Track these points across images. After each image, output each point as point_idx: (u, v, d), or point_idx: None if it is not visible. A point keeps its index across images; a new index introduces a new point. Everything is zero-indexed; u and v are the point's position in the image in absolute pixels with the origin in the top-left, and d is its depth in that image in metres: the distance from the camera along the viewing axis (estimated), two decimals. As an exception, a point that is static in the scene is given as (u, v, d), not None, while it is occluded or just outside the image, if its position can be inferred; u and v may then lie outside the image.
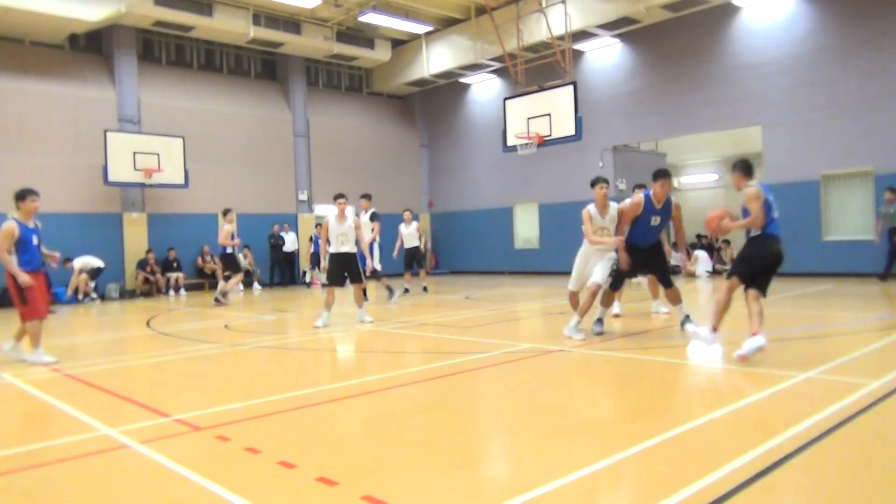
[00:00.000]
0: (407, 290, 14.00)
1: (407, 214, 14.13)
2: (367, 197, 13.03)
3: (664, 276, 7.49)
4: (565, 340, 7.04)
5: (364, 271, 10.21)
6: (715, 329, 6.06)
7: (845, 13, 13.93)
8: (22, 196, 6.78)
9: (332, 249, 9.37)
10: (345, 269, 9.37)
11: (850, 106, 13.82)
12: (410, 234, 13.91)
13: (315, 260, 16.32)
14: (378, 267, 12.69)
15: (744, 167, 6.19)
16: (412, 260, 14.12)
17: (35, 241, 6.83)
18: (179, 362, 6.91)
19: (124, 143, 16.01)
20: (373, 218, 12.73)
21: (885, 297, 10.41)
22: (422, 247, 14.24)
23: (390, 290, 12.67)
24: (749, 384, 4.85)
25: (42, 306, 6.87)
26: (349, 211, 9.69)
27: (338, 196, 9.59)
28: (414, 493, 3.00)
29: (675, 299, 7.49)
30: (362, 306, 9.58)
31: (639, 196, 7.32)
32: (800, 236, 14.59)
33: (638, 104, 17.36)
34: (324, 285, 9.53)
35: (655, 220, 7.27)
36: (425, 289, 14.17)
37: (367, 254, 11.25)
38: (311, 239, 17.76)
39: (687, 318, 7.43)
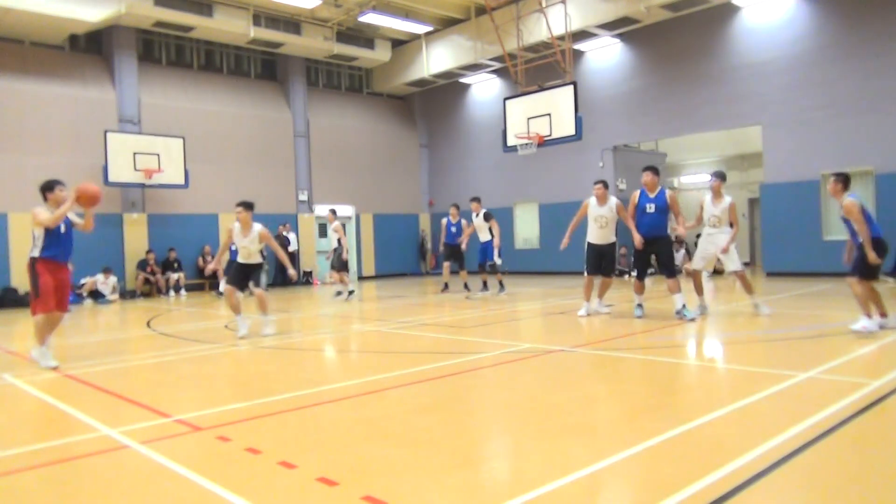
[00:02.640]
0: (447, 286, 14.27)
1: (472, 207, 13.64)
2: (476, 200, 13.35)
3: (669, 267, 8.62)
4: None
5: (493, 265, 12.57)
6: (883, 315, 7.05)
7: (845, 13, 13.93)
8: (50, 187, 6.52)
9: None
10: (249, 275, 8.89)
11: (851, 105, 13.82)
12: (479, 227, 13.27)
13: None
14: (498, 262, 12.94)
15: (844, 180, 7.41)
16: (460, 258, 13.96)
17: (63, 229, 6.58)
18: (180, 363, 6.91)
19: (124, 144, 16.02)
20: (487, 217, 12.91)
21: (885, 297, 10.39)
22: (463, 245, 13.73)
23: (501, 285, 13.16)
24: (749, 384, 4.84)
25: (52, 301, 6.49)
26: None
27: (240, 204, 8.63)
28: (414, 493, 3.00)
29: (674, 290, 8.48)
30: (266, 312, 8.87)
31: (636, 192, 8.72)
32: (800, 236, 14.60)
33: (638, 104, 17.36)
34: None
35: (651, 208, 8.49)
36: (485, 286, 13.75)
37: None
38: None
39: (683, 307, 8.39)
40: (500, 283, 13.20)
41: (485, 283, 13.30)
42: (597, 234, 9.16)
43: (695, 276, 9.19)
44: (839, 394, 4.35)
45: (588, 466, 3.21)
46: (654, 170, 8.56)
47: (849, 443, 3.50)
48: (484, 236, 13.00)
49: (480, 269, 13.28)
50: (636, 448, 3.44)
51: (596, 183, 9.14)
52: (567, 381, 5.15)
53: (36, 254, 6.37)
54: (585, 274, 9.40)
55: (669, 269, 8.57)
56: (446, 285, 14.22)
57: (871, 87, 13.56)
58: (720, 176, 8.99)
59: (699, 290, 9.07)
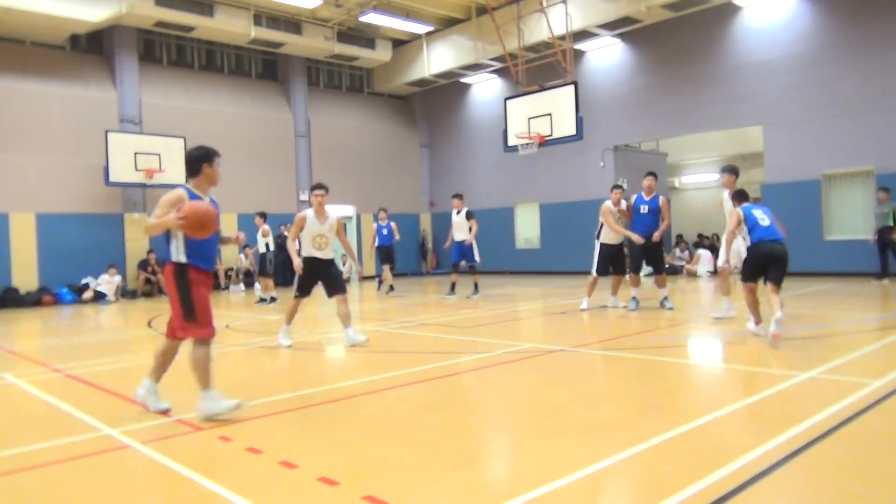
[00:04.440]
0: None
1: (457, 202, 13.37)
2: (459, 196, 13.15)
3: (659, 264, 9.61)
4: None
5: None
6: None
7: (846, 12, 13.92)
8: (207, 156, 4.58)
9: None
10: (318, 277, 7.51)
11: (852, 105, 13.81)
12: (458, 225, 12.87)
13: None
14: (477, 260, 12.71)
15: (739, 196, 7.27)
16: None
17: None
18: (180, 362, 6.89)
19: (125, 144, 16.03)
20: (469, 216, 12.73)
21: (885, 297, 10.39)
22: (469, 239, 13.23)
23: (476, 287, 12.93)
24: (750, 384, 4.84)
25: (212, 323, 4.56)
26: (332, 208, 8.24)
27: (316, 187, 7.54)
28: (415, 493, 3.00)
29: (661, 284, 9.57)
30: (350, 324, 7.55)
31: (634, 196, 9.65)
32: (801, 236, 14.56)
33: (639, 104, 17.35)
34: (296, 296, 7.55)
35: (644, 209, 9.34)
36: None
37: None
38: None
39: (665, 299, 9.43)
40: (476, 285, 12.88)
41: (452, 286, 12.74)
42: (612, 234, 9.68)
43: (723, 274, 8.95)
44: (839, 394, 4.34)
45: (588, 466, 3.21)
46: (655, 176, 9.37)
47: (849, 443, 3.49)
48: (462, 235, 12.68)
49: (454, 268, 12.94)
50: (636, 448, 3.44)
51: (614, 187, 9.88)
52: (567, 381, 5.15)
53: (182, 258, 4.49)
54: (594, 273, 9.81)
55: (659, 266, 9.60)
56: (391, 287, 14.34)
57: (872, 87, 13.55)
58: (729, 170, 8.14)
59: (726, 290, 8.55)
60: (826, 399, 4.26)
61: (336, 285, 7.42)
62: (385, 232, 14.26)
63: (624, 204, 9.72)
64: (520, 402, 4.63)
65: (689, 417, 3.97)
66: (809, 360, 5.63)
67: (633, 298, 9.51)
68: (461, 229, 12.70)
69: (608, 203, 9.66)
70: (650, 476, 3.14)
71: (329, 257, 7.45)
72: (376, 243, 14.38)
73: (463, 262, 12.71)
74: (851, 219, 14.18)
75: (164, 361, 4.74)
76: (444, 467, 3.36)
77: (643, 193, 9.39)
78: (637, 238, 9.26)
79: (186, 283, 4.46)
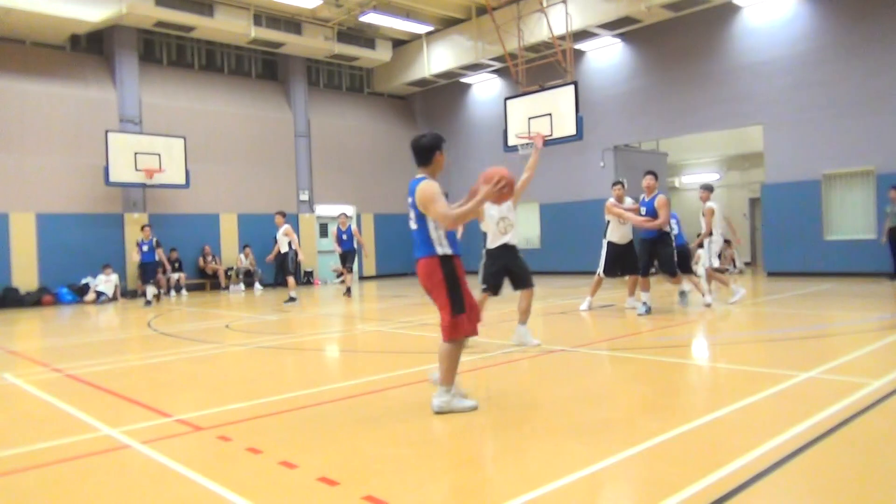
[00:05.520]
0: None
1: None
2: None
3: (669, 267, 9.23)
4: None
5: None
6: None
7: (846, 12, 13.92)
8: (438, 144, 4.38)
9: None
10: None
11: (852, 105, 13.81)
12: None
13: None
14: None
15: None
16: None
17: None
18: (181, 362, 6.91)
19: (125, 144, 16.03)
20: None
21: (886, 297, 10.39)
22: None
23: None
24: (750, 384, 4.84)
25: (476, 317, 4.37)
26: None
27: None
28: (415, 493, 3.00)
29: (677, 282, 9.48)
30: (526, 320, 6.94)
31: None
32: (801, 236, 14.59)
33: (639, 104, 17.35)
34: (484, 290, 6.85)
35: (642, 210, 9.18)
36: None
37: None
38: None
39: (682, 293, 9.63)
40: None
41: None
42: (618, 233, 9.54)
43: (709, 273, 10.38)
44: (839, 394, 4.34)
45: (588, 466, 3.21)
46: (654, 175, 9.14)
47: (849, 443, 3.49)
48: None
49: None
50: (636, 448, 3.44)
51: (614, 184, 9.71)
52: (568, 381, 5.15)
53: (448, 249, 4.29)
54: (601, 273, 9.80)
55: (670, 269, 9.16)
56: (349, 291, 14.15)
57: (872, 87, 13.55)
58: (708, 188, 10.36)
59: (725, 280, 10.56)
60: (826, 399, 4.26)
61: (525, 278, 6.74)
62: (345, 237, 14.17)
63: (629, 201, 9.54)
64: (520, 402, 4.63)
65: (689, 417, 3.98)
66: (809, 360, 5.63)
67: (643, 304, 9.01)
68: None
69: (611, 200, 9.57)
70: (650, 476, 3.14)
71: (514, 243, 6.67)
72: (340, 249, 14.31)
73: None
74: (851, 219, 14.18)
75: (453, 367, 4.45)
76: (444, 467, 3.36)
77: (644, 193, 9.24)
78: (639, 220, 9.06)
79: (455, 275, 4.26)
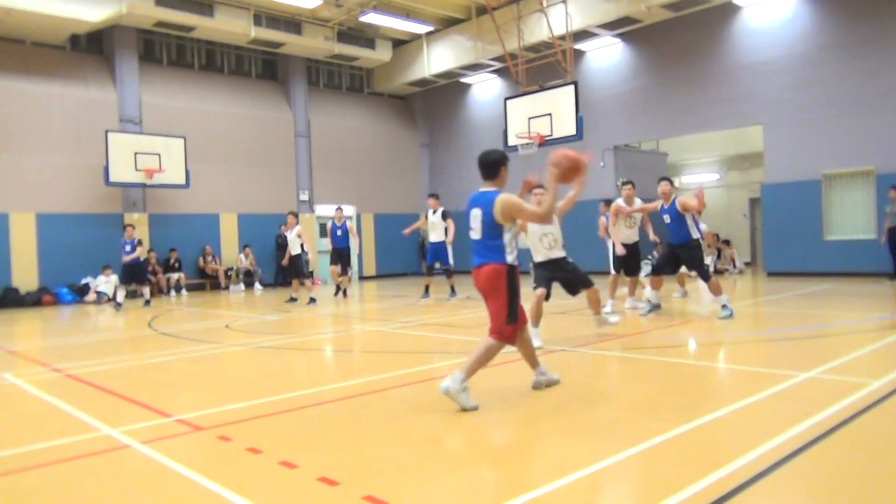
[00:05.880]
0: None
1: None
2: (434, 196, 12.85)
3: (701, 271, 8.51)
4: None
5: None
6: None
7: (846, 12, 13.92)
8: (505, 160, 4.78)
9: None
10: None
11: (852, 105, 13.81)
12: (434, 225, 12.74)
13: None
14: (451, 263, 12.48)
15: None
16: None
17: None
18: (181, 362, 6.91)
19: (125, 144, 16.03)
20: (445, 216, 12.42)
21: (886, 297, 10.39)
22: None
23: (452, 290, 12.49)
24: (750, 384, 4.84)
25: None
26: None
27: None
28: (415, 493, 3.01)
29: (715, 291, 8.41)
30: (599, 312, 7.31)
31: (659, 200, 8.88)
32: (801, 236, 14.59)
33: (639, 104, 17.35)
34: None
35: (667, 218, 8.60)
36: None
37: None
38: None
39: (723, 307, 8.29)
40: (452, 288, 12.49)
41: (426, 289, 12.55)
42: (625, 234, 9.52)
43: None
44: (839, 394, 4.34)
45: (588, 466, 3.21)
46: (669, 180, 8.79)
47: (849, 443, 3.49)
48: (437, 236, 12.41)
49: (429, 271, 12.68)
50: (636, 448, 3.44)
51: (624, 184, 9.51)
52: (567, 381, 5.15)
53: (514, 260, 4.56)
54: (612, 272, 9.86)
55: (702, 273, 8.42)
56: (345, 292, 13.87)
57: (872, 87, 13.55)
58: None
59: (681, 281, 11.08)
60: (826, 399, 4.26)
61: (575, 284, 6.93)
62: (339, 233, 13.61)
63: (638, 202, 9.30)
64: (519, 402, 4.62)
65: (689, 417, 3.97)
66: (809, 360, 5.63)
67: (649, 302, 8.85)
68: (436, 230, 12.42)
69: (619, 201, 9.34)
70: (650, 476, 3.14)
71: (561, 255, 6.87)
72: (332, 245, 13.75)
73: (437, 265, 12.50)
74: (851, 219, 14.18)
75: (528, 352, 4.85)
76: (444, 467, 3.36)
77: (663, 200, 8.69)
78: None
79: (517, 285, 4.51)
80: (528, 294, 6.29)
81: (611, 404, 4.56)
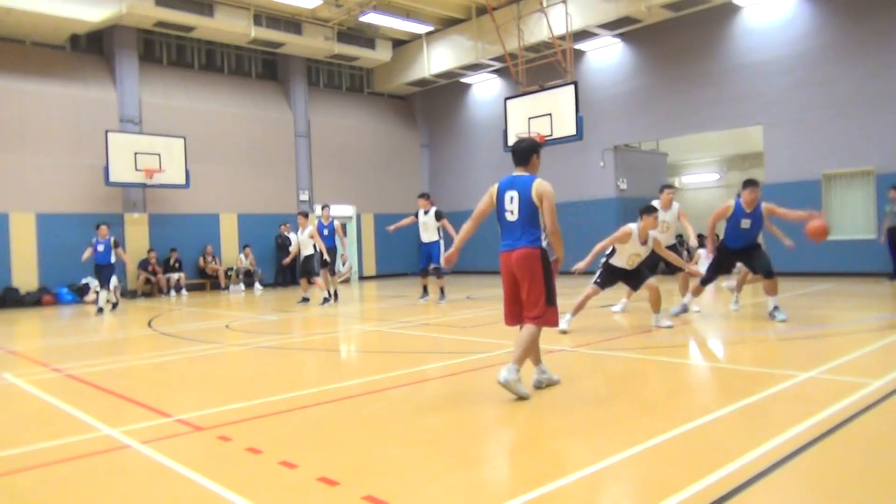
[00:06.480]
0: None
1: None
2: (425, 196, 12.44)
3: (767, 268, 8.20)
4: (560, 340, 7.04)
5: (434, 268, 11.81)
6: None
7: (846, 12, 13.92)
8: (538, 148, 4.89)
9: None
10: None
11: (852, 105, 13.81)
12: (426, 225, 12.32)
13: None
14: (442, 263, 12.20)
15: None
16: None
17: None
18: (181, 362, 6.91)
19: (125, 144, 16.03)
20: (439, 216, 12.06)
21: (886, 297, 10.39)
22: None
23: (442, 292, 12.10)
24: (750, 384, 4.84)
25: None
26: None
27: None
28: (415, 493, 3.00)
29: (769, 291, 8.15)
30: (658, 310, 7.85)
31: (730, 201, 8.41)
32: (801, 236, 14.50)
33: (639, 104, 17.35)
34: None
35: (746, 224, 8.13)
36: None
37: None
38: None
39: (776, 309, 7.99)
40: (442, 290, 12.07)
41: (424, 289, 12.44)
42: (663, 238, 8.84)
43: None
44: (839, 394, 4.34)
45: (588, 466, 3.21)
46: (755, 183, 8.14)
47: (849, 443, 3.49)
48: (429, 236, 12.07)
49: (423, 273, 12.40)
50: (636, 448, 3.44)
51: (664, 188, 9.25)
52: (567, 381, 5.15)
53: (546, 244, 4.80)
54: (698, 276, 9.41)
55: (767, 270, 8.15)
56: (336, 294, 13.11)
57: (872, 87, 13.55)
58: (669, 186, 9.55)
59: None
60: (826, 399, 4.26)
61: (639, 283, 7.96)
62: (326, 232, 12.93)
63: (676, 206, 9.04)
64: (520, 402, 4.62)
65: (689, 417, 3.97)
66: (809, 360, 5.63)
67: (683, 305, 8.54)
68: (428, 230, 12.10)
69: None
70: (650, 476, 3.14)
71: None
72: (324, 245, 13.02)
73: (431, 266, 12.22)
74: (851, 219, 14.18)
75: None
76: (444, 467, 3.36)
77: (743, 205, 8.19)
78: (710, 247, 8.73)
79: (551, 269, 4.72)
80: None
81: (611, 404, 4.56)
